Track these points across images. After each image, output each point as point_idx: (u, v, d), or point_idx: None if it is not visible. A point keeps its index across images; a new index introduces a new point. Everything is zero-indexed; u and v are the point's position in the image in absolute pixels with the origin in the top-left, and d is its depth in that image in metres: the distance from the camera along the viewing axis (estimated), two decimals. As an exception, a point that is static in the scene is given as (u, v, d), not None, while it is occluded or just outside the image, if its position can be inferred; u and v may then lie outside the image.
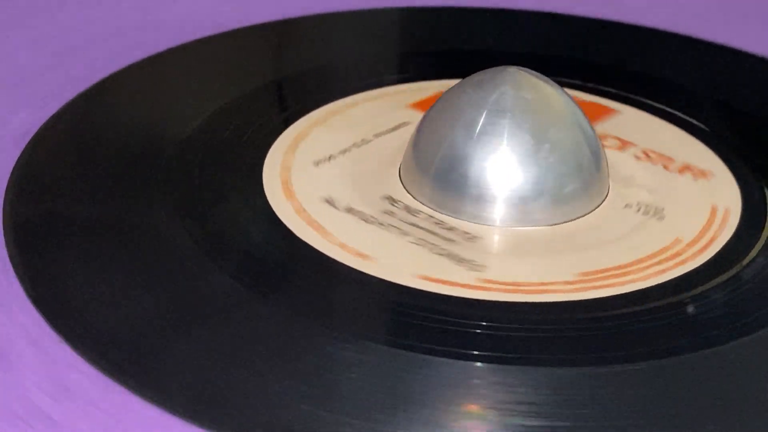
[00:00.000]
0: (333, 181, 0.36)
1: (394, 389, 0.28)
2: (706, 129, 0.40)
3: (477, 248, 0.33)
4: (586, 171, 0.35)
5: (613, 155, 0.37)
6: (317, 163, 0.37)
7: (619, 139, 0.39)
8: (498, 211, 0.34)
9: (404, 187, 0.36)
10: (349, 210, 0.35)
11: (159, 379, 0.28)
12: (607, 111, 0.40)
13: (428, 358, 0.29)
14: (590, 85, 0.42)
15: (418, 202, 0.35)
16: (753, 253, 0.34)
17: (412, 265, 0.32)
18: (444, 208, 0.35)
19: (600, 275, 0.32)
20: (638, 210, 0.35)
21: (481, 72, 0.36)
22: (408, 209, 0.35)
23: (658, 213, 0.35)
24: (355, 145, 0.38)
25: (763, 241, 0.34)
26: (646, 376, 0.29)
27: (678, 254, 0.33)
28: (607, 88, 0.42)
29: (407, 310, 0.31)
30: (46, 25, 0.46)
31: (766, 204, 0.36)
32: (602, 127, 0.39)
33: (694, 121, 0.40)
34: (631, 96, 0.42)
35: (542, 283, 0.32)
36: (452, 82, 0.37)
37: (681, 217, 0.35)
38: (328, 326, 0.30)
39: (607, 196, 0.36)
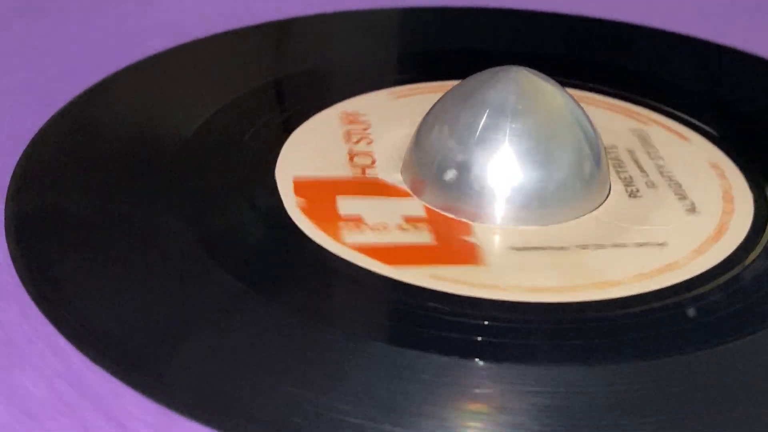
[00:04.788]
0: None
1: (396, 389, 0.28)
2: (707, 129, 0.40)
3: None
4: (587, 170, 0.35)
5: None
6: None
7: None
8: (499, 210, 0.34)
9: (405, 186, 0.36)
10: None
11: (161, 377, 0.28)
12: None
13: (429, 357, 0.29)
14: (590, 85, 0.42)
15: (418, 201, 0.35)
16: (755, 254, 0.34)
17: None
18: (444, 208, 0.35)
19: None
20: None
21: (481, 72, 0.36)
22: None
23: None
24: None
25: (765, 242, 0.34)
26: (645, 376, 0.29)
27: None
28: (607, 88, 0.42)
29: (410, 309, 0.31)
30: (46, 25, 0.46)
31: None
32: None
33: (695, 121, 0.40)
34: (631, 96, 0.42)
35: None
36: (452, 82, 0.37)
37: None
38: (333, 326, 0.30)
39: (608, 195, 0.36)
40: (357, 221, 0.34)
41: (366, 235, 0.33)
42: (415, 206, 0.35)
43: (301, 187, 0.36)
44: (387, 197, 0.35)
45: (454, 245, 0.33)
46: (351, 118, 0.39)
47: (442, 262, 0.33)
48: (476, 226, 0.34)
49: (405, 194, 0.36)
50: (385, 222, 0.34)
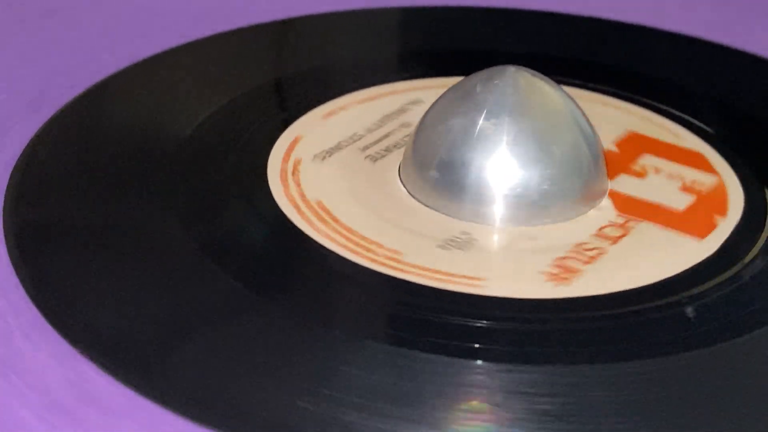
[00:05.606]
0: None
1: (395, 389, 0.28)
2: (706, 129, 0.40)
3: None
4: (586, 171, 0.35)
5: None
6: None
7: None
8: (498, 211, 0.34)
9: (404, 186, 0.36)
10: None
11: (162, 379, 0.28)
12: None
13: (430, 357, 0.29)
14: (590, 85, 0.42)
15: (417, 201, 0.35)
16: (754, 252, 0.34)
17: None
18: (443, 208, 0.35)
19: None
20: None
21: (481, 72, 0.36)
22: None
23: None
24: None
25: (764, 241, 0.34)
26: (645, 375, 0.29)
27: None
28: (607, 88, 0.42)
29: (410, 309, 0.31)
30: (45, 25, 0.46)
31: (766, 204, 0.36)
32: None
33: (695, 121, 0.40)
34: (631, 96, 0.42)
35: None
36: (452, 82, 0.37)
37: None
38: (332, 327, 0.30)
39: (606, 195, 0.36)
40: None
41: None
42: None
43: None
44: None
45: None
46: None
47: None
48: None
49: None
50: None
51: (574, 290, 0.32)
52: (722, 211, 0.35)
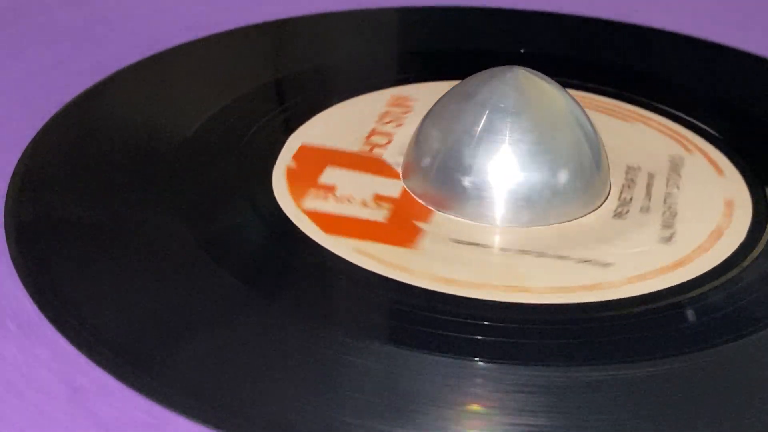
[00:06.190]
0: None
1: (396, 389, 0.28)
2: (707, 129, 0.40)
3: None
4: (587, 171, 0.35)
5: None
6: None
7: None
8: (499, 210, 0.34)
9: (405, 186, 0.36)
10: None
11: (163, 378, 0.28)
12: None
13: (430, 357, 0.29)
14: (590, 85, 0.42)
15: (418, 200, 0.35)
16: (755, 253, 0.34)
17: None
18: (445, 208, 0.35)
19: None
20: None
21: (481, 72, 0.36)
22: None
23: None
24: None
25: (765, 242, 0.34)
26: (645, 376, 0.29)
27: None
28: (607, 88, 0.42)
29: (410, 310, 0.31)
30: (46, 26, 0.46)
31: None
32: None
33: (695, 121, 0.40)
34: (631, 96, 0.42)
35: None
36: (452, 82, 0.37)
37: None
38: (333, 327, 0.30)
39: (608, 196, 0.36)
40: (328, 190, 0.35)
41: (327, 203, 0.34)
42: (395, 188, 0.35)
43: (303, 151, 0.37)
44: (374, 175, 0.36)
45: (400, 227, 0.34)
46: (397, 102, 0.40)
47: (375, 239, 0.33)
48: (437, 214, 0.34)
49: (395, 175, 0.36)
50: (353, 195, 0.35)
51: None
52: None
